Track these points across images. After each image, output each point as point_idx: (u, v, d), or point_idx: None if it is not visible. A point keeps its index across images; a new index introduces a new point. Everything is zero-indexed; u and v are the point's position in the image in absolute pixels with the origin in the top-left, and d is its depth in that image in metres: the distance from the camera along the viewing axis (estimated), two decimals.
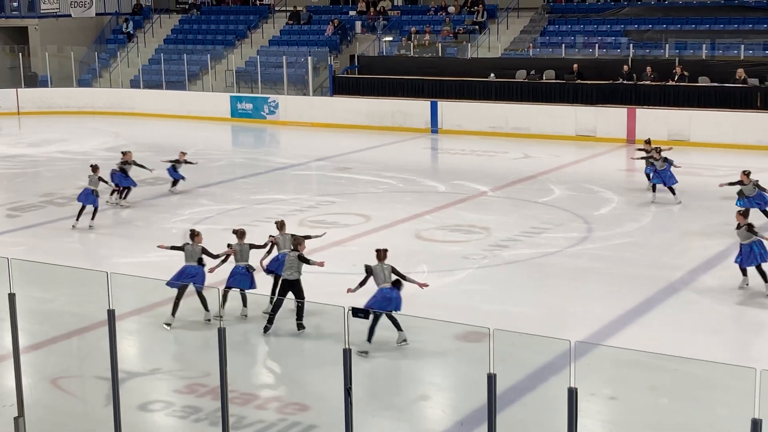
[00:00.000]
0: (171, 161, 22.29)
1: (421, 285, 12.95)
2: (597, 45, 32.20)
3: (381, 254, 12.76)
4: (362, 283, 12.72)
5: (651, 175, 20.81)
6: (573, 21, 34.67)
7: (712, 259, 16.36)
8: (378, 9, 38.86)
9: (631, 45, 31.67)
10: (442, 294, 14.87)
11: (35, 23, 41.69)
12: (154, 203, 21.62)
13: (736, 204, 17.86)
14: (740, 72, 28.12)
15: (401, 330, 12.33)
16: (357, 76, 34.61)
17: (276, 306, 12.93)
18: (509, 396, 10.27)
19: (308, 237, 14.09)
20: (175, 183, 22.53)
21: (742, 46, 29.97)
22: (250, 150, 31.73)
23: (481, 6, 36.36)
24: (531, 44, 33.69)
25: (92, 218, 19.11)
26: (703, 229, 18.52)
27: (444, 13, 37.11)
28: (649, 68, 29.41)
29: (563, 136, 29.15)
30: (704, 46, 30.65)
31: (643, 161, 21.22)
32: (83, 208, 18.99)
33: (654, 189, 20.70)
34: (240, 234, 13.89)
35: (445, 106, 31.49)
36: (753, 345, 13.07)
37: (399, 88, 32.94)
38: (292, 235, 13.80)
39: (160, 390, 11.45)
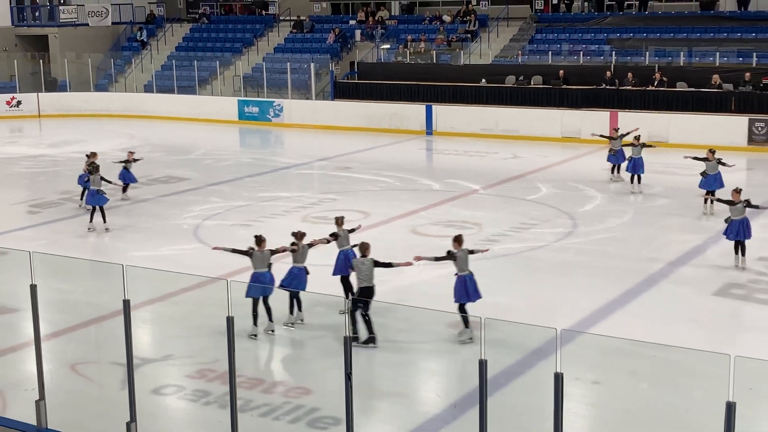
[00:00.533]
0: (121, 162, 21.27)
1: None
2: (581, 52, 32.19)
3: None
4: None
5: (616, 166, 22.35)
6: (559, 30, 34.66)
7: (689, 253, 16.38)
8: (376, 18, 38.83)
9: (614, 52, 31.67)
10: (436, 285, 14.85)
11: (55, 32, 41.64)
12: (165, 200, 21.61)
13: (699, 186, 19.27)
14: (715, 78, 28.13)
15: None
16: (357, 81, 34.59)
17: (354, 318, 11.61)
18: (499, 380, 10.28)
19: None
20: (125, 188, 21.34)
21: (717, 53, 29.97)
22: (257, 150, 31.72)
23: (473, 16, 36.37)
24: (520, 52, 33.67)
25: (104, 220, 18.55)
26: (681, 224, 18.55)
27: (438, 23, 37.09)
28: (630, 74, 29.42)
29: (550, 137, 29.16)
30: (682, 53, 30.67)
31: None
32: (94, 209, 18.56)
33: (618, 170, 22.29)
34: (299, 236, 13.00)
35: (439, 110, 31.48)
36: (727, 333, 13.08)
37: (396, 93, 32.93)
38: (361, 243, 12.44)
39: (172, 375, 11.45)
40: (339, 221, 13.76)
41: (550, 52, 32.73)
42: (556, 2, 36.69)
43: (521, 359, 11.12)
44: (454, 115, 31.23)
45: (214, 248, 13.36)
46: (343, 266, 13.30)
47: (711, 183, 19.09)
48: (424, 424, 10.11)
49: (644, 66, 30.19)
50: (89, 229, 18.58)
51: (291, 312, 12.76)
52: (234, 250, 12.81)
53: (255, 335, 12.25)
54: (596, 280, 15.22)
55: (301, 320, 12.83)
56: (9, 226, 19.29)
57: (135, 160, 21.47)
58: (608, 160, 22.61)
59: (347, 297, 12.85)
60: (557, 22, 35.30)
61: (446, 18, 37.38)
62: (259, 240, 12.70)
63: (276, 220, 19.40)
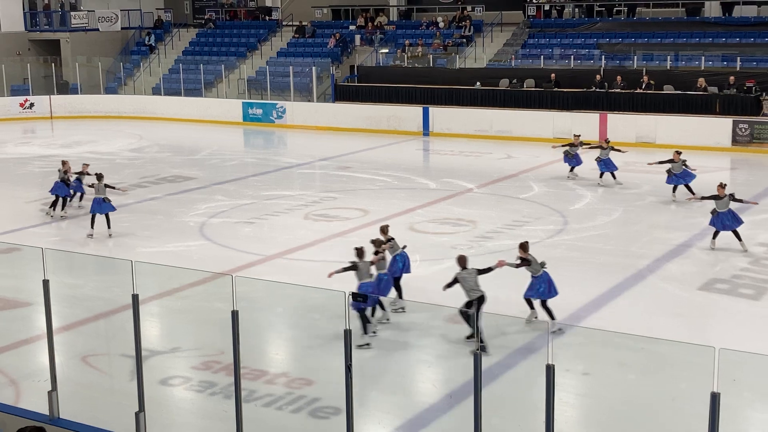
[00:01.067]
0: (76, 173, 20.04)
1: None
2: (572, 57, 32.18)
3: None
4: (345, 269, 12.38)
5: (571, 165, 22.66)
6: (551, 35, 34.64)
7: (675, 249, 16.39)
8: (375, 24, 38.81)
9: (603, 57, 31.65)
10: (432, 280, 14.85)
11: (67, 36, 41.61)
12: (172, 198, 21.60)
13: (666, 182, 20.15)
14: (701, 81, 28.13)
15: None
16: (356, 84, 34.56)
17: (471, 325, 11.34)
18: (493, 372, 10.29)
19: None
20: (81, 197, 20.37)
21: (703, 57, 29.97)
22: (260, 151, 31.71)
23: (468, 21, 36.36)
24: (513, 56, 33.67)
25: (108, 226, 17.88)
26: (667, 222, 18.57)
27: (434, 28, 37.07)
28: (619, 77, 29.41)
29: (542, 138, 29.14)
30: (669, 57, 30.65)
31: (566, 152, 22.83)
32: (94, 216, 17.80)
33: (602, 176, 22.09)
34: (378, 242, 12.93)
35: (435, 112, 31.47)
36: (711, 326, 13.09)
37: (394, 95, 32.91)
38: (459, 257, 12.18)
39: (179, 367, 11.46)
40: (384, 229, 13.59)
41: (542, 57, 32.72)
42: (547, 8, 36.68)
43: (514, 351, 11.12)
44: (450, 117, 31.22)
45: (330, 275, 12.34)
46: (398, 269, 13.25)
47: (678, 180, 19.99)
48: (421, 414, 10.12)
49: (632, 69, 30.18)
50: (90, 236, 17.79)
51: (373, 315, 12.49)
52: (345, 269, 12.39)
53: (368, 344, 11.81)
54: (586, 275, 15.23)
55: (387, 319, 12.67)
56: (22, 223, 19.28)
57: (88, 174, 19.83)
58: (564, 160, 22.98)
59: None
60: (549, 28, 35.29)
61: (442, 23, 37.36)
62: (361, 252, 12.48)
63: (279, 217, 19.40)
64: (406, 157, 27.99)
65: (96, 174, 18.49)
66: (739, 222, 16.05)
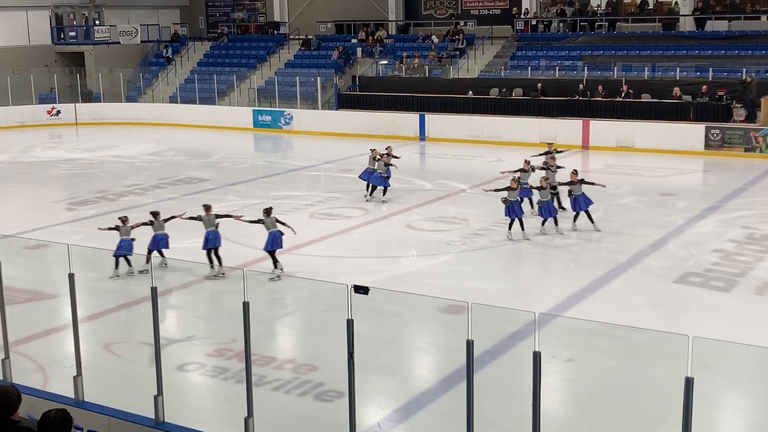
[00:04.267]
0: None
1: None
2: (557, 67, 32.17)
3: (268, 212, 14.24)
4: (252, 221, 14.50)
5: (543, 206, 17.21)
6: (537, 48, 34.62)
7: (652, 245, 16.38)
8: (375, 37, 38.78)
9: (586, 67, 31.65)
10: (428, 274, 14.87)
11: (90, 49, 41.59)
12: (188, 198, 21.57)
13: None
14: (676, 90, 28.13)
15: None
16: (358, 93, 34.55)
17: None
18: (484, 358, 10.27)
19: None
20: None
21: (678, 68, 29.95)
22: (269, 155, 31.69)
23: (461, 35, 36.35)
24: (502, 67, 33.65)
25: (129, 266, 14.64)
26: (646, 220, 18.54)
27: (430, 41, 37.05)
28: (600, 87, 29.40)
29: (529, 143, 29.07)
30: (646, 68, 30.65)
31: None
32: (121, 258, 14.54)
33: (576, 218, 17.37)
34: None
35: (431, 118, 31.45)
36: (686, 316, 13.09)
37: (393, 103, 32.90)
38: None
39: (194, 353, 11.45)
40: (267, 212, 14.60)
41: (529, 67, 32.70)
42: (534, 23, 36.65)
43: (503, 339, 11.11)
44: (445, 123, 31.20)
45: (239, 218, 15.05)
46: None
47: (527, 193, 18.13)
48: (418, 397, 10.12)
49: (613, 79, 30.16)
50: (116, 276, 14.54)
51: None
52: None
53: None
54: (570, 269, 15.23)
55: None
56: (50, 221, 19.27)
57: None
58: (505, 212, 17.19)
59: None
60: (536, 41, 35.27)
61: (436, 38, 37.35)
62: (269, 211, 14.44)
63: (286, 216, 19.33)
64: (404, 160, 27.84)
65: (121, 218, 15.21)
66: (589, 203, 17.17)
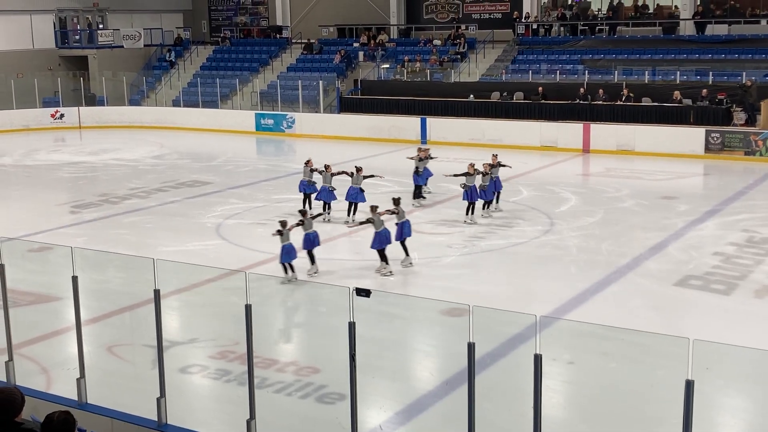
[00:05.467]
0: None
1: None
2: (558, 71, 32.17)
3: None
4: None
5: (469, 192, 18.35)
6: (538, 51, 34.64)
7: (652, 248, 16.38)
8: (377, 41, 38.81)
9: (586, 71, 31.66)
10: (429, 276, 14.88)
11: (94, 53, 41.64)
12: (191, 201, 21.61)
13: (463, 198, 18.63)
14: (676, 94, 28.12)
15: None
16: (360, 96, 34.56)
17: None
18: (485, 361, 10.26)
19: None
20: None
21: (678, 72, 29.96)
22: (272, 158, 31.71)
23: (462, 39, 36.37)
24: (504, 71, 33.65)
25: (293, 272, 14.42)
26: (645, 223, 18.54)
27: (432, 45, 37.07)
28: (601, 90, 29.40)
29: (530, 146, 29.15)
30: (647, 72, 30.66)
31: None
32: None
33: (473, 210, 18.42)
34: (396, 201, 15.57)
35: (432, 122, 31.47)
36: (686, 319, 13.09)
37: (394, 107, 32.91)
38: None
39: (197, 356, 11.46)
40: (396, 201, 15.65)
41: (530, 71, 32.70)
42: (535, 27, 36.68)
43: (505, 342, 11.11)
44: (446, 127, 31.21)
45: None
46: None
47: (473, 194, 18.34)
48: (419, 399, 10.12)
49: (613, 83, 30.17)
50: (294, 279, 14.45)
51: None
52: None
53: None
54: (571, 272, 15.21)
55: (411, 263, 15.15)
56: (53, 224, 19.30)
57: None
58: (463, 198, 18.61)
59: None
60: (537, 45, 35.29)
61: (438, 41, 37.37)
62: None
63: (288, 218, 19.35)
64: (406, 163, 27.93)
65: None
66: (488, 196, 18.33)
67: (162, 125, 37.24)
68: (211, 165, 27.70)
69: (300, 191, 19.77)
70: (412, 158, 21.28)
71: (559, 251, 16.49)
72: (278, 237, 14.27)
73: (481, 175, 18.59)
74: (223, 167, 27.31)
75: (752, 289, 13.95)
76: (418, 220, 18.98)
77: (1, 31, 40.21)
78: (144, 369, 10.81)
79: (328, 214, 19.01)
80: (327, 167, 19.28)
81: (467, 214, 18.51)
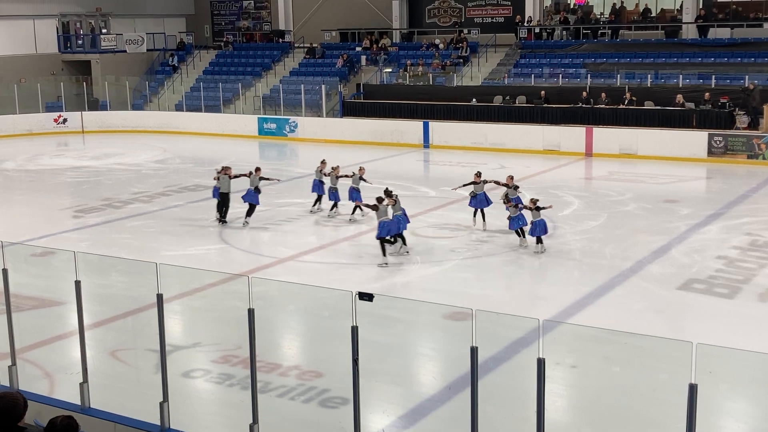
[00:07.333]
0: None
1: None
2: (560, 75, 32.19)
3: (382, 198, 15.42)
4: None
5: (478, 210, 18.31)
6: (541, 55, 34.64)
7: (656, 252, 16.36)
8: (380, 45, 38.84)
9: (589, 75, 31.66)
10: (432, 280, 14.87)
11: (97, 57, 41.72)
12: (194, 206, 21.61)
13: (469, 205, 18.51)
14: (679, 97, 28.13)
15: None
16: (362, 100, 34.60)
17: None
18: (489, 365, 10.25)
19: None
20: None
21: (681, 75, 29.96)
22: (274, 162, 31.68)
23: (464, 43, 36.37)
24: (506, 74, 33.67)
25: (405, 244, 16.38)
26: (648, 226, 18.52)
27: (434, 49, 37.08)
28: (603, 94, 29.42)
29: (533, 150, 29.15)
30: (649, 75, 30.66)
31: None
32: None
33: (483, 216, 18.34)
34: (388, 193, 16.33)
35: (435, 126, 31.48)
36: (689, 322, 13.07)
37: (397, 111, 32.93)
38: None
39: (200, 360, 11.46)
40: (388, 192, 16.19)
41: (532, 75, 32.72)
42: (538, 31, 36.69)
43: (508, 346, 11.10)
44: (448, 131, 31.22)
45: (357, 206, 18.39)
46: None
47: (480, 202, 18.26)
48: (422, 403, 10.11)
49: (616, 87, 30.17)
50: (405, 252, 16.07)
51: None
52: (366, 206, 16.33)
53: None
54: (574, 275, 15.20)
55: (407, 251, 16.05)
56: (56, 228, 19.32)
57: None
58: (470, 204, 18.57)
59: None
60: (539, 49, 35.30)
61: (441, 45, 37.39)
62: (381, 198, 15.89)
63: (291, 223, 19.40)
64: (408, 167, 27.98)
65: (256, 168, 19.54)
66: (488, 203, 18.25)
67: (165, 130, 37.29)
68: (213, 169, 27.66)
69: (313, 192, 20.62)
70: (328, 175, 20.10)
71: (563, 255, 16.47)
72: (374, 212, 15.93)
73: (527, 209, 16.79)
74: None
75: (756, 293, 13.93)
76: (420, 224, 18.98)
77: (5, 36, 40.29)
78: (147, 373, 10.80)
79: (335, 212, 19.83)
80: (334, 169, 20.03)
81: (474, 217, 18.52)
